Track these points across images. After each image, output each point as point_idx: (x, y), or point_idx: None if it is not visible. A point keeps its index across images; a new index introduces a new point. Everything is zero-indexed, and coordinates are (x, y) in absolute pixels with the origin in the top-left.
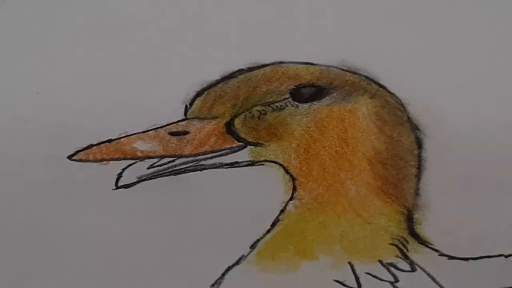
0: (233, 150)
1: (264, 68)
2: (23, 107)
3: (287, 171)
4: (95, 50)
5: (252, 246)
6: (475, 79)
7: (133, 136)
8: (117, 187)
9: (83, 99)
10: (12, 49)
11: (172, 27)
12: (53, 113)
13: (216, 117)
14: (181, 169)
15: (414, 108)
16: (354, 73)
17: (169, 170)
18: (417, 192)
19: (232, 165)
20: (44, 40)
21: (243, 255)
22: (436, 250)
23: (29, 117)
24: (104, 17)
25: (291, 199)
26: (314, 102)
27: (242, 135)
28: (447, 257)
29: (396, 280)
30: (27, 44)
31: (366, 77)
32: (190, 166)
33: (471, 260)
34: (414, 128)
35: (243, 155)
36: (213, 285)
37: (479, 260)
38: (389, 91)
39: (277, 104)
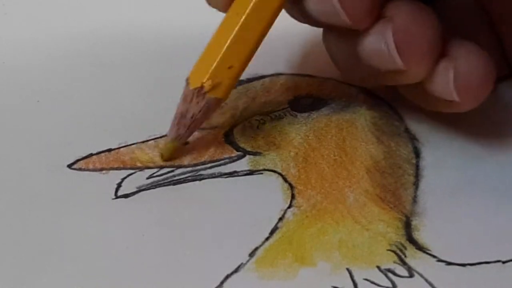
0: (232, 160)
1: (263, 79)
2: (23, 116)
3: (285, 180)
4: (96, 59)
5: (251, 254)
6: None
7: (132, 146)
8: (117, 197)
9: (83, 108)
10: (12, 55)
11: (172, 39)
12: (53, 122)
13: (215, 127)
14: (180, 179)
15: (411, 119)
16: (353, 85)
17: (168, 180)
18: (415, 200)
19: (231, 174)
20: (45, 46)
21: (242, 263)
22: (434, 256)
23: (29, 126)
24: (105, 25)
25: (289, 207)
26: (313, 112)
27: (241, 145)
28: (445, 263)
29: (394, 286)
30: (27, 51)
31: (365, 90)
32: (189, 176)
33: (468, 266)
34: (412, 138)
35: (242, 164)
36: None
37: (476, 266)
38: (386, 103)
39: (276, 113)
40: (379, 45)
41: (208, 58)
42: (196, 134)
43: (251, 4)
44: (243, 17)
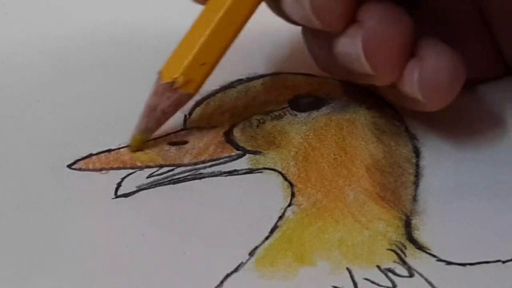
0: (232, 159)
1: (263, 78)
2: (23, 116)
3: (285, 178)
4: (96, 59)
5: (251, 253)
6: None
7: None
8: (117, 196)
9: (83, 108)
10: (12, 55)
11: (173, 39)
12: (53, 122)
13: (215, 127)
14: (180, 178)
15: (411, 119)
16: (353, 84)
17: (168, 179)
18: (415, 199)
19: (231, 173)
20: (45, 46)
21: (242, 262)
22: (434, 256)
23: (29, 126)
24: (105, 25)
25: (289, 205)
26: (313, 111)
27: (241, 144)
28: (445, 263)
29: (394, 286)
30: (27, 51)
31: (365, 89)
32: (189, 175)
33: (468, 266)
34: (412, 137)
35: (242, 163)
36: None
37: (477, 266)
38: (386, 102)
39: (276, 113)
40: (350, 49)
41: (182, 54)
42: (196, 133)
43: (228, 3)
44: (219, 14)
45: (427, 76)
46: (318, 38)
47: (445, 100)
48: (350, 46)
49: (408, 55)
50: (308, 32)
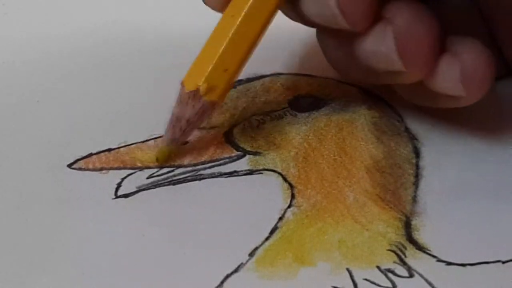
0: (232, 159)
1: (263, 79)
2: (23, 116)
3: (285, 179)
4: (96, 59)
5: (251, 254)
6: None
7: (132, 146)
8: (117, 197)
9: (83, 108)
10: (12, 55)
11: (173, 39)
12: (53, 122)
13: (215, 127)
14: (180, 178)
15: (411, 119)
16: (353, 85)
17: (168, 180)
18: (415, 199)
19: (231, 174)
20: (45, 46)
21: (242, 263)
22: (434, 256)
23: (29, 126)
24: (105, 24)
25: (289, 206)
26: (313, 112)
27: (241, 144)
28: (444, 263)
29: (394, 286)
30: (27, 51)
31: (364, 89)
32: (189, 176)
33: (468, 266)
34: (412, 138)
35: (242, 164)
36: None
37: (476, 266)
38: (386, 102)
39: (276, 113)
40: (379, 47)
41: (203, 61)
42: (196, 134)
43: (247, 7)
44: (239, 20)
45: (468, 71)
46: (337, 39)
47: (483, 91)
48: (380, 44)
49: (438, 50)
50: (325, 34)
